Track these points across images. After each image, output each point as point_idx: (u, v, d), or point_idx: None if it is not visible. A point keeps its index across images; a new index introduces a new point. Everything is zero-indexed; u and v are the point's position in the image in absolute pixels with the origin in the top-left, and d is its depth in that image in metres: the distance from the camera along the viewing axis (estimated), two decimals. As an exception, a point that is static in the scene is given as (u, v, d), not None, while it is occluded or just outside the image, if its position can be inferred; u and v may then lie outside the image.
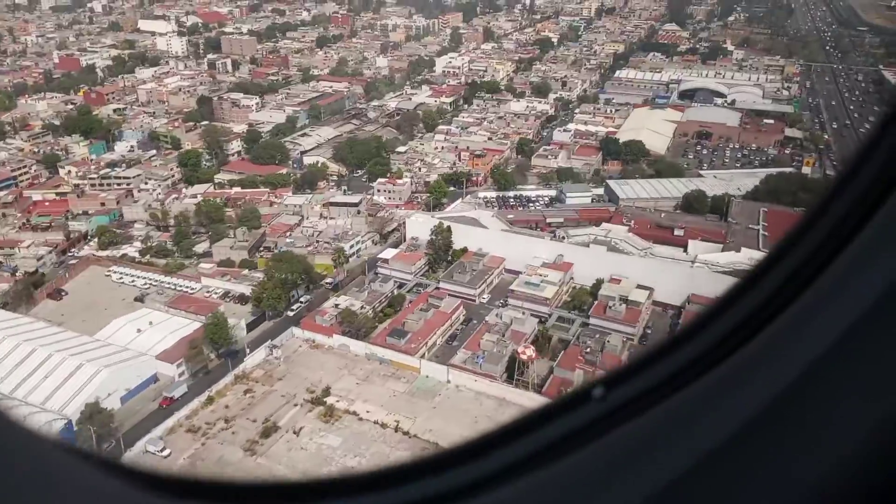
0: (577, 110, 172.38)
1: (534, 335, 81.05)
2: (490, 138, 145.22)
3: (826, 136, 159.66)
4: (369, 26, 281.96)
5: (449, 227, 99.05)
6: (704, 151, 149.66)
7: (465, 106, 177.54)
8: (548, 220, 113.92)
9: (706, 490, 1.90)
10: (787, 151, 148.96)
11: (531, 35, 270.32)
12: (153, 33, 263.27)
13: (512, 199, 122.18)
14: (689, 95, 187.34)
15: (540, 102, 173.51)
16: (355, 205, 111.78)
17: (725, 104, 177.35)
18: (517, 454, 2.12)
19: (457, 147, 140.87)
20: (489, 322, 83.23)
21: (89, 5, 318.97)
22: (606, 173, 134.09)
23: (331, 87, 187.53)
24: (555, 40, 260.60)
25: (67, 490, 1.83)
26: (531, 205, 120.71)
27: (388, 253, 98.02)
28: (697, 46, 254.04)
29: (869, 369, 1.85)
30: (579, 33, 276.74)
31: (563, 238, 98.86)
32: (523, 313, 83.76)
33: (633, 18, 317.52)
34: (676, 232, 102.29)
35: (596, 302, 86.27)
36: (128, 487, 2.02)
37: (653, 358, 2.22)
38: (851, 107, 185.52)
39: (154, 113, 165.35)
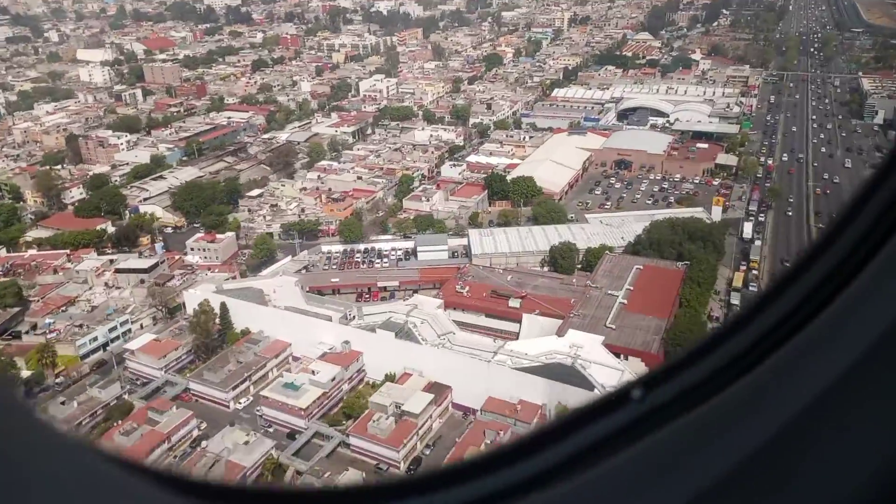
0: (488, 139, 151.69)
1: (257, 468, 61.11)
2: (359, 177, 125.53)
3: (770, 163, 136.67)
4: (317, 46, 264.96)
5: (224, 304, 79.84)
6: (618, 185, 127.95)
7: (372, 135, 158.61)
8: (380, 284, 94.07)
9: (741, 498, 1.86)
10: (715, 182, 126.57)
11: (486, 50, 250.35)
12: (87, 63, 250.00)
13: (360, 254, 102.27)
14: (627, 115, 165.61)
15: (447, 130, 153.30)
16: (145, 270, 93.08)
17: (667, 124, 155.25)
18: (556, 458, 2.10)
19: (318, 189, 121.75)
20: (208, 449, 63.41)
21: (46, 34, 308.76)
22: (488, 217, 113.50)
23: (229, 118, 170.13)
24: (510, 55, 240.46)
25: (99, 492, 1.82)
26: (381, 260, 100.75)
27: (143, 339, 78.98)
28: (659, 58, 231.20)
29: (883, 396, 1.80)
30: (540, 47, 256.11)
31: (353, 317, 78.76)
32: (252, 434, 63.79)
33: (607, 28, 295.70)
34: (511, 303, 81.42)
35: (364, 413, 66.01)
36: (158, 491, 2.02)
37: (692, 358, 2.15)
38: (815, 125, 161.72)
39: (18, 156, 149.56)
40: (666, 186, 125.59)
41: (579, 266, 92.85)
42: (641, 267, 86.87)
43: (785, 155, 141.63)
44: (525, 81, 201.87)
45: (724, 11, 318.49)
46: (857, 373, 1.84)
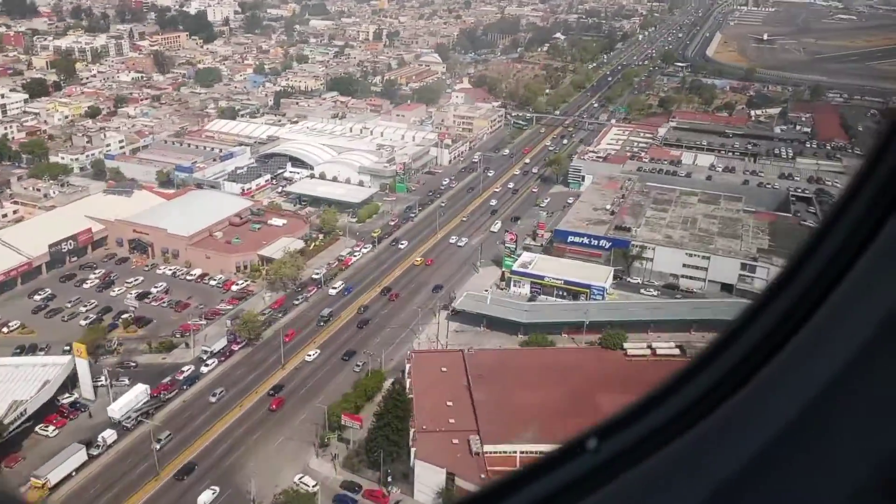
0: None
1: None
2: None
3: (348, 256, 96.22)
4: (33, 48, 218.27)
5: None
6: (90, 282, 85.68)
7: None
8: None
9: None
10: (237, 285, 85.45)
11: (235, 61, 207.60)
12: None
13: None
14: (267, 161, 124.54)
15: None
16: None
17: (285, 183, 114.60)
18: None
19: None
20: None
21: None
22: None
23: None
24: (249, 71, 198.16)
25: None
26: None
27: None
28: (422, 84, 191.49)
29: (872, 400, 1.80)
30: (306, 61, 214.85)
31: None
32: None
33: (414, 45, 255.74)
34: None
35: None
36: None
37: (645, 407, 2.15)
38: (512, 185, 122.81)
39: None
40: (154, 291, 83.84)
41: None
42: None
43: (404, 241, 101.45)
44: (206, 105, 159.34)
45: (559, 36, 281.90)
46: (807, 418, 1.81)
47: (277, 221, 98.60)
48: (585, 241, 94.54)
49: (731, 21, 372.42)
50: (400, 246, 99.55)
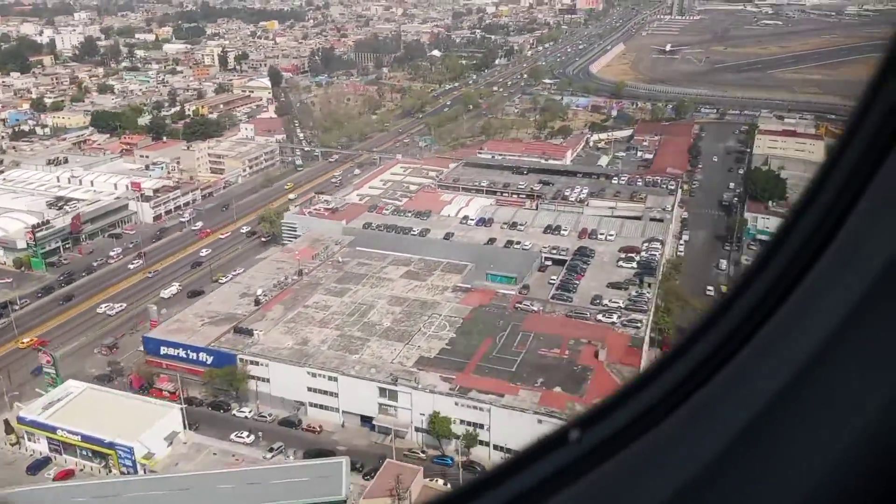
0: None
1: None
2: None
3: None
4: None
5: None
6: None
7: None
8: None
9: None
10: None
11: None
12: None
13: None
14: None
15: None
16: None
17: None
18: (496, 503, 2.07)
19: None
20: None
21: None
22: None
23: None
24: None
25: None
26: None
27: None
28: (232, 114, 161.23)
29: (869, 355, 1.80)
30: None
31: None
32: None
33: (262, 68, 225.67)
34: None
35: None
36: None
37: (626, 395, 2.15)
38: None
39: None
40: None
41: None
42: None
43: None
44: None
45: (435, 53, 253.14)
46: (788, 395, 1.83)
47: None
48: (182, 353, 63.96)
49: (645, 32, 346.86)
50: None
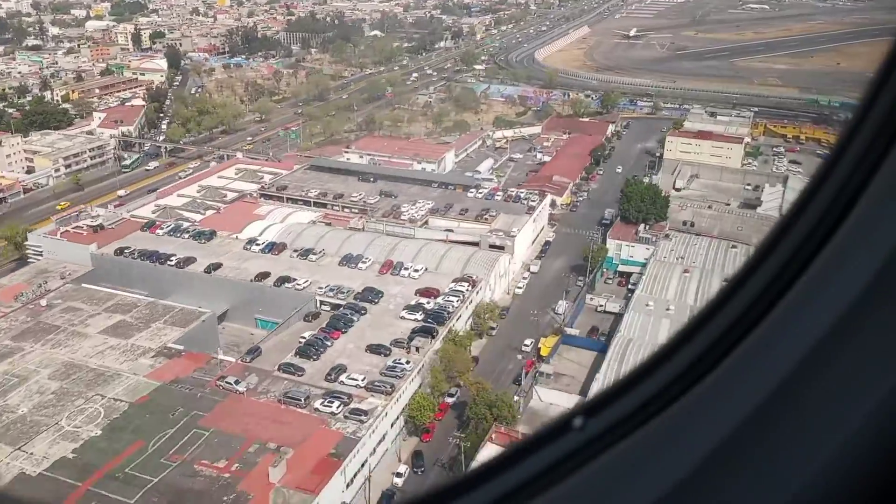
0: None
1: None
2: None
3: None
4: None
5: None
6: None
7: None
8: None
9: None
10: None
11: None
12: None
13: None
14: None
15: None
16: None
17: None
18: (500, 490, 2.08)
19: None
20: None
21: None
22: None
23: None
24: None
25: None
26: None
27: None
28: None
29: (866, 353, 1.80)
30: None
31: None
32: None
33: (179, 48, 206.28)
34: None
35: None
36: None
37: (631, 382, 2.17)
38: None
39: None
40: None
41: None
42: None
43: None
44: None
45: (376, 34, 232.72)
46: (786, 389, 1.84)
47: None
48: None
49: (620, 14, 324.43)
50: None
